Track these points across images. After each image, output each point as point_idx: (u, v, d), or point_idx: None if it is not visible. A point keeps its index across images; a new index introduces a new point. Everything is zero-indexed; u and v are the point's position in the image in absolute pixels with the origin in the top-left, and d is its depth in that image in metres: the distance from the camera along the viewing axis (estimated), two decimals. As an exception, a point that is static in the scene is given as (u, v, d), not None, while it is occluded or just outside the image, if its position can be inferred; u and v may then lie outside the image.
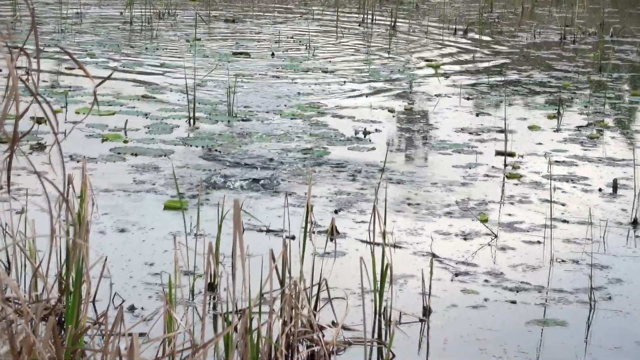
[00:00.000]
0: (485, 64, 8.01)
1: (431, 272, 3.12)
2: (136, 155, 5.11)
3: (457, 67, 7.93)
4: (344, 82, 6.98)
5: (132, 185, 4.68)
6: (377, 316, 3.01)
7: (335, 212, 4.41)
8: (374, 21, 9.00)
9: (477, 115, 6.32)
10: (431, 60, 7.99)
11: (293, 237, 3.66)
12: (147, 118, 5.81)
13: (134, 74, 7.02)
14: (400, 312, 2.95)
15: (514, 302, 3.39)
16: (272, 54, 7.81)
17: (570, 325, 3.17)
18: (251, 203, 4.19)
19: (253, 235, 3.70)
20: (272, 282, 2.68)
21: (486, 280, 3.47)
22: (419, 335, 3.01)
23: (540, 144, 5.63)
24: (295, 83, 6.90)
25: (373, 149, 5.40)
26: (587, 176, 5.06)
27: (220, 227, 3.45)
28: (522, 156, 5.43)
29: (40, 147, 4.80)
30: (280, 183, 4.98)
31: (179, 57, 7.56)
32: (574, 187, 4.95)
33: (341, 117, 6.01)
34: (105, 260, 3.05)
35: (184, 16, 9.14)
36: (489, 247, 4.09)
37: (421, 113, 6.42)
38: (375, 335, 3.10)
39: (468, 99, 6.72)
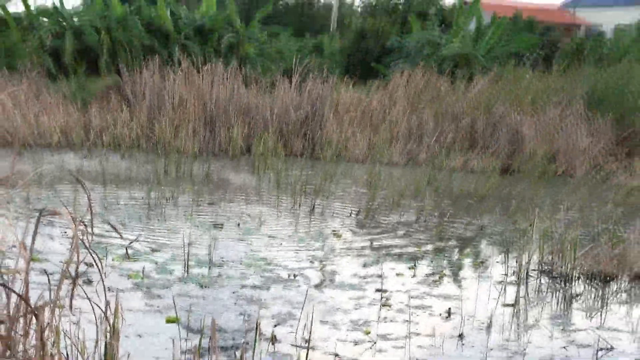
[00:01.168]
0: (370, 234, 8.09)
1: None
2: (149, 288, 5.26)
3: (351, 235, 8.11)
4: (281, 243, 7.03)
5: (146, 306, 4.83)
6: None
7: (275, 326, 4.55)
8: (300, 205, 8.96)
9: (364, 266, 6.41)
10: (336, 231, 8.00)
11: (248, 343, 4.14)
12: (157, 265, 5.90)
13: (150, 236, 7.09)
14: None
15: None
16: (238, 225, 7.87)
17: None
18: (225, 320, 4.27)
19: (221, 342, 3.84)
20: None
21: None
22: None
23: (403, 284, 5.78)
24: (251, 244, 6.95)
25: (299, 286, 5.57)
26: (432, 305, 5.26)
27: (201, 338, 3.52)
28: (392, 292, 5.53)
29: (89, 282, 4.85)
30: (242, 307, 5.01)
31: (178, 226, 7.67)
32: (424, 312, 5.11)
33: (279, 266, 6.10)
34: (129, 355, 3.33)
35: (182, 199, 9.00)
36: (371, 349, 4.29)
37: (330, 265, 6.55)
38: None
39: (358, 256, 6.83)
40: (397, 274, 6.06)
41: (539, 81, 14.17)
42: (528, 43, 16.40)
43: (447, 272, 6.45)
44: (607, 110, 11.99)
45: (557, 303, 5.79)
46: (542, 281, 6.32)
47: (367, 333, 4.55)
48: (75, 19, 15.80)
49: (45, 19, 15.79)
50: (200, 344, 3.45)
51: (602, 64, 14.31)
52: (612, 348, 4.52)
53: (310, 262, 6.35)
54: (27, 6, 16.22)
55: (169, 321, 4.38)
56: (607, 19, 22.86)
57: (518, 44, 16.24)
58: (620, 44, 16.16)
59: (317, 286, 5.64)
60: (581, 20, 24.78)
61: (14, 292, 2.62)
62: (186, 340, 3.84)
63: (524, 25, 17.66)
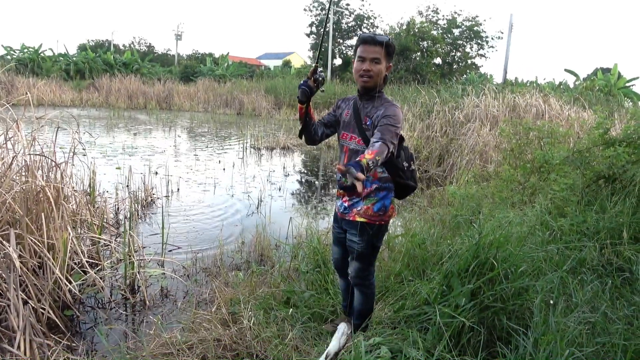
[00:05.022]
0: (194, 135, 10.76)
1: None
2: (108, 155, 7.31)
3: (186, 135, 10.56)
4: (158, 141, 9.21)
5: (106, 164, 6.59)
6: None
7: (157, 168, 6.40)
8: (166, 126, 11.07)
9: (188, 144, 8.61)
10: (180, 135, 9.90)
11: (142, 174, 4.96)
12: (111, 147, 7.90)
13: (112, 138, 8.63)
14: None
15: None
16: (135, 134, 9.17)
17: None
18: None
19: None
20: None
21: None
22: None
23: (204, 152, 8.41)
24: (146, 140, 9.26)
25: (164, 153, 7.88)
26: (214, 160, 7.57)
27: (129, 171, 5.33)
28: (200, 155, 8.07)
29: (83, 155, 4.45)
30: (144, 160, 6.98)
31: (120, 134, 9.64)
32: (212, 161, 7.59)
33: (158, 147, 8.46)
34: (100, 182, 4.46)
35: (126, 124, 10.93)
36: (192, 173, 6.38)
37: (177, 146, 8.61)
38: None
39: (189, 143, 9.19)
40: (202, 150, 8.44)
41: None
42: (245, 70, 27.70)
43: (221, 148, 8.95)
44: (271, 91, 19.28)
45: (257, 157, 8.17)
46: (252, 150, 8.82)
47: (190, 168, 6.66)
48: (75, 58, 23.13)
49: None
50: (128, 177, 5.24)
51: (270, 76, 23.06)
52: (274, 170, 6.73)
53: (169, 146, 8.80)
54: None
55: (117, 168, 6.18)
56: (271, 64, 38.85)
57: (239, 70, 26.90)
58: (277, 72, 27.21)
59: (171, 154, 7.81)
60: (263, 64, 39.69)
61: (49, 158, 2.87)
62: (122, 175, 5.61)
63: (243, 65, 28.59)
